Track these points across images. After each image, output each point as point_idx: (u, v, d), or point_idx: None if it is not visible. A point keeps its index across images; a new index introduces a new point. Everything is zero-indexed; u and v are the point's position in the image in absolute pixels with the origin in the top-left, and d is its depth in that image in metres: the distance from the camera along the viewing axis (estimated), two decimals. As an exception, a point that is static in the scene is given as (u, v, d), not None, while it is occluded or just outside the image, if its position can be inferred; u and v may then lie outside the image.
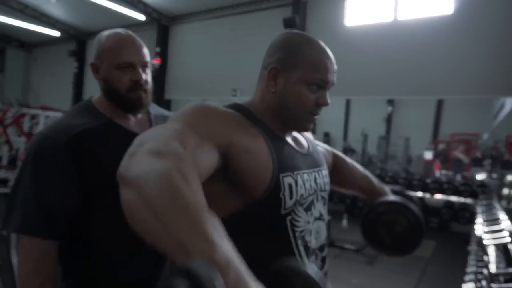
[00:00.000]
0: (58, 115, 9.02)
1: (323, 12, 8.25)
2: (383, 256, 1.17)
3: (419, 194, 6.64)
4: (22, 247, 0.93)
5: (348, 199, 6.81)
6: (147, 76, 1.07)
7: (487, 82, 6.44)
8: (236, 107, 0.86)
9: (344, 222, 5.87)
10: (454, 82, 6.77)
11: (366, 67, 7.38)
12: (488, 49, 6.40)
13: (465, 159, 9.71)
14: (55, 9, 11.97)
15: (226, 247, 0.44)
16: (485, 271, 2.07)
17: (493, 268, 2.00)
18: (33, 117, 9.22)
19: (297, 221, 0.80)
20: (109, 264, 0.98)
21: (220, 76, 9.76)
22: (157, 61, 10.56)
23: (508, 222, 2.85)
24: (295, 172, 0.81)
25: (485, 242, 2.52)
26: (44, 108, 9.83)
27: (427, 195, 6.59)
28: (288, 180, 0.78)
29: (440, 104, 14.33)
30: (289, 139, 0.89)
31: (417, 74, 7.04)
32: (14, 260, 1.00)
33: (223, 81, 9.69)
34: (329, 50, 0.86)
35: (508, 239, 2.46)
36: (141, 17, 10.65)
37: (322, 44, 0.86)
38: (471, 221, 5.54)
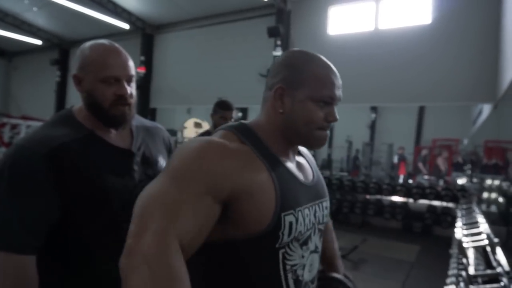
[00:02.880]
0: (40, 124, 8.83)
1: (307, 21, 8.39)
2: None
3: (403, 199, 6.77)
4: (1, 262, 0.87)
5: (334, 206, 6.87)
6: (132, 89, 1.04)
7: (465, 90, 6.65)
8: (240, 129, 0.84)
9: (330, 228, 5.91)
10: (434, 90, 6.96)
11: (349, 75, 7.51)
12: (465, 58, 6.62)
13: (443, 167, 9.90)
14: (37, 18, 11.81)
15: None
16: (464, 273, 2.13)
17: (471, 270, 2.06)
18: (14, 126, 9.04)
19: (290, 255, 0.79)
20: (90, 276, 0.96)
21: (205, 84, 9.78)
22: (141, 70, 10.52)
23: (486, 225, 2.94)
24: (297, 209, 0.80)
25: (464, 245, 2.59)
26: (25, 117, 9.65)
27: (411, 200, 6.72)
28: (289, 218, 0.77)
29: (421, 111, 14.68)
30: (294, 167, 0.87)
31: (398, 81, 7.21)
32: None
33: (208, 90, 9.71)
34: (331, 64, 0.85)
35: (486, 242, 2.53)
36: (125, 26, 10.62)
37: (325, 59, 0.85)
38: (453, 224, 5.67)
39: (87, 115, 1.03)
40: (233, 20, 9.37)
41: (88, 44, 1.03)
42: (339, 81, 0.85)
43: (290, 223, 0.77)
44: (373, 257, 4.88)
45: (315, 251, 0.87)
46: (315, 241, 0.87)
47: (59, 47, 13.22)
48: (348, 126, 14.52)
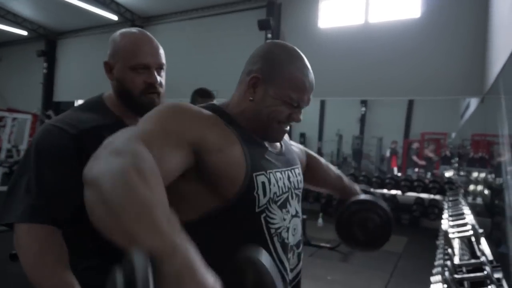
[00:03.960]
0: (26, 117, 8.72)
1: (297, 14, 8.36)
2: (356, 251, 1.23)
3: (392, 192, 6.87)
4: (24, 233, 0.86)
5: (324, 199, 6.93)
6: (162, 78, 1.04)
7: (453, 83, 6.73)
8: (211, 107, 0.88)
9: (320, 221, 5.97)
10: (423, 83, 7.03)
11: (340, 68, 7.55)
12: (453, 51, 6.69)
13: (434, 157, 10.09)
14: (22, 7, 11.53)
15: (174, 235, 0.45)
16: (449, 263, 2.18)
17: (456, 259, 2.11)
18: (0, 119, 8.86)
19: (272, 218, 0.82)
20: (104, 261, 0.96)
21: (196, 77, 9.70)
22: (130, 62, 10.39)
23: (471, 216, 3.00)
24: (268, 171, 0.83)
25: (450, 235, 2.64)
26: (11, 110, 9.46)
27: (399, 193, 6.82)
28: (261, 178, 0.80)
29: (411, 104, 14.84)
30: (260, 139, 0.90)
31: (388, 75, 7.26)
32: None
33: (199, 83, 9.57)
34: (309, 67, 0.88)
35: (471, 232, 2.59)
36: (114, 17, 10.44)
37: (305, 60, 0.88)
38: (440, 216, 5.78)
39: (116, 102, 1.03)
40: (224, 13, 9.30)
41: (119, 32, 1.04)
42: (311, 85, 0.88)
43: (263, 183, 0.80)
44: (362, 248, 4.95)
45: (296, 215, 0.90)
46: (294, 205, 0.90)
47: (46, 38, 12.94)
48: (338, 120, 14.62)
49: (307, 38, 8.04)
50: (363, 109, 15.23)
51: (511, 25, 3.56)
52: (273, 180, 0.83)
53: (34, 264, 0.85)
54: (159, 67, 1.02)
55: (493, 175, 6.51)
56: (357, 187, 1.23)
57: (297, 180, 0.94)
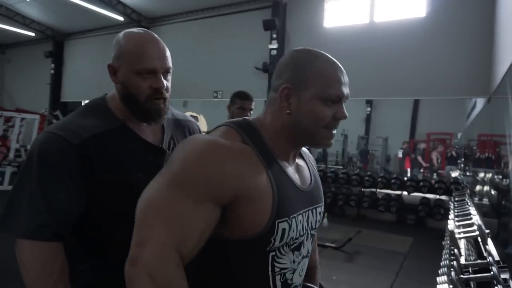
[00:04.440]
0: (35, 117, 8.81)
1: (303, 14, 8.37)
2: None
3: (397, 192, 6.85)
4: (26, 250, 0.86)
5: (329, 199, 6.93)
6: (168, 82, 1.00)
7: (459, 83, 6.69)
8: (245, 126, 0.83)
9: (325, 221, 5.97)
10: (429, 83, 7.00)
11: (345, 68, 7.33)
12: (459, 51, 6.65)
13: (435, 160, 9.98)
14: (30, 9, 11.66)
15: None
16: (455, 263, 2.18)
17: (462, 260, 2.11)
18: (8, 119, 8.97)
19: (280, 258, 0.80)
20: (111, 266, 0.93)
21: (201, 78, 9.75)
22: (136, 63, 10.45)
23: (478, 216, 2.99)
24: (291, 216, 0.80)
25: (456, 236, 2.64)
26: (19, 110, 9.57)
27: (405, 193, 6.80)
28: (283, 225, 0.78)
29: (416, 104, 14.76)
30: (293, 172, 0.87)
31: (393, 75, 7.24)
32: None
33: (204, 83, 9.68)
34: (336, 61, 0.83)
35: (477, 233, 2.59)
36: (120, 18, 10.52)
37: (330, 57, 0.84)
38: (446, 217, 5.76)
39: (120, 105, 0.99)
40: (229, 13, 9.32)
41: (123, 33, 0.99)
42: (345, 78, 0.83)
43: (283, 230, 0.78)
44: (367, 248, 4.96)
45: (306, 255, 0.89)
46: (307, 246, 0.89)
47: (53, 39, 13.08)
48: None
49: (312, 38, 8.03)
50: (369, 109, 15.18)
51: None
52: (293, 226, 0.80)
53: (35, 281, 0.86)
54: (166, 71, 0.98)
55: (499, 176, 6.47)
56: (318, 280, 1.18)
57: (316, 220, 0.91)
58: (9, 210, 0.89)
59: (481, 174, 7.05)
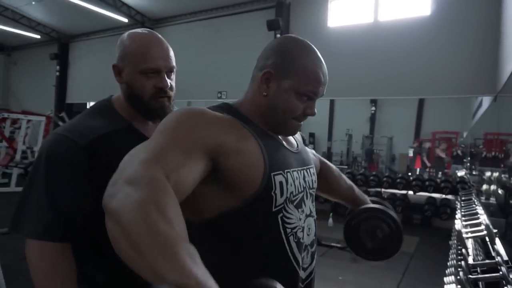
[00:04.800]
0: (41, 119, 8.88)
1: (306, 14, 8.36)
2: (364, 260, 1.19)
3: (403, 192, 6.80)
4: (34, 250, 0.88)
5: (334, 198, 6.90)
6: (172, 81, 1.01)
7: (465, 82, 6.65)
8: (225, 107, 0.87)
9: (330, 221, 5.96)
10: (434, 82, 6.96)
11: (349, 67, 7.52)
12: (465, 49, 6.61)
13: (446, 157, 9.96)
14: (35, 12, 11.76)
15: (198, 271, 0.47)
16: (463, 263, 2.16)
17: (470, 260, 2.10)
18: (14, 121, 9.04)
19: (289, 218, 0.82)
20: (120, 269, 0.97)
21: (205, 78, 9.77)
22: (141, 64, 10.49)
23: (485, 216, 2.97)
24: (286, 170, 0.83)
25: (464, 235, 2.62)
26: (26, 112, 9.64)
27: (410, 193, 6.75)
28: (279, 178, 0.80)
29: (421, 103, 14.67)
30: (277, 137, 0.90)
31: (398, 74, 7.21)
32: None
33: (208, 84, 9.71)
34: (322, 59, 0.88)
35: (485, 232, 2.57)
36: (124, 19, 10.58)
37: (317, 53, 0.87)
38: (452, 216, 5.71)
39: (125, 106, 1.01)
40: (233, 13, 9.34)
41: (127, 33, 1.01)
42: (325, 78, 0.87)
43: (281, 183, 0.80)
44: (373, 249, 4.92)
45: (310, 215, 0.90)
46: (309, 205, 0.91)
47: (59, 41, 13.19)
48: (348, 119, 14.53)
49: (316, 38, 8.01)
50: (373, 108, 15.12)
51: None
52: (290, 180, 0.83)
53: (44, 281, 0.87)
54: (170, 71, 1.00)
55: (506, 175, 6.42)
56: (367, 198, 1.22)
57: (312, 180, 0.94)
58: (19, 210, 0.90)
59: (488, 173, 7.00)
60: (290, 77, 0.83)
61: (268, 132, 0.87)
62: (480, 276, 1.84)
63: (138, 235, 0.48)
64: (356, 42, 7.54)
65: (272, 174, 0.79)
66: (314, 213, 0.93)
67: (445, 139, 11.81)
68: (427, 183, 6.46)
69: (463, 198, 4.47)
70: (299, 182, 0.87)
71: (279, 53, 0.86)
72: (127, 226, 0.49)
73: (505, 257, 1.95)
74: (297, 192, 0.85)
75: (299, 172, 0.89)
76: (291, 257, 0.82)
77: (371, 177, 6.92)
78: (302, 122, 0.89)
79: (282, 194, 0.80)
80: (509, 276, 1.63)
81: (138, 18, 10.60)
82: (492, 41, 6.17)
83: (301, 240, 0.84)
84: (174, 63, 1.01)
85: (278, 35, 8.13)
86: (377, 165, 12.56)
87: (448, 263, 2.84)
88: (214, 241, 0.79)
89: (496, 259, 1.87)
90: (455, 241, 3.32)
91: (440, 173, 8.99)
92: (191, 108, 0.78)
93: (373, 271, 4.16)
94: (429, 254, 4.83)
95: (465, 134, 13.16)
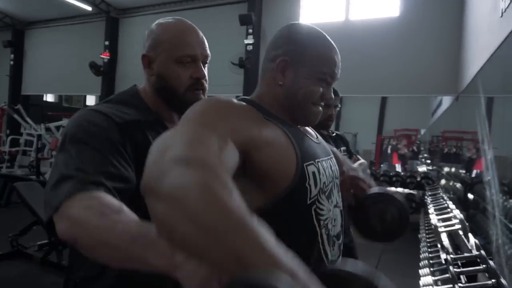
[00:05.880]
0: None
1: (279, 9, 8.37)
2: (371, 242, 1.24)
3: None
4: (73, 207, 0.64)
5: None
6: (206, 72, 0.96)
7: (429, 82, 6.97)
8: (245, 100, 0.84)
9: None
10: (397, 81, 7.24)
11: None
12: (429, 51, 6.91)
13: (407, 153, 10.43)
14: (-14, -5, 10.89)
15: (287, 257, 0.42)
16: (443, 256, 2.26)
17: (451, 254, 2.19)
18: (-36, 113, 8.35)
19: (321, 209, 0.79)
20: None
21: (174, 71, 9.53)
22: (106, 56, 10.03)
23: (458, 210, 3.13)
24: (316, 160, 0.81)
25: (439, 229, 2.75)
26: (-24, 103, 8.94)
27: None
28: (311, 168, 0.78)
29: (384, 101, 15.27)
30: (300, 128, 0.89)
31: (366, 72, 7.41)
32: None
33: (178, 77, 9.48)
34: (334, 44, 0.87)
35: (459, 226, 2.70)
36: (88, 7, 10.04)
37: (329, 38, 0.87)
38: (417, 210, 5.99)
39: (153, 98, 0.94)
40: (204, 6, 9.15)
41: (157, 23, 0.94)
42: (339, 60, 0.87)
43: (313, 173, 0.78)
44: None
45: (337, 205, 0.88)
46: (336, 195, 0.88)
47: (13, 28, 12.27)
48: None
49: (288, 34, 8.04)
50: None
51: (491, 26, 3.71)
52: (321, 170, 0.81)
53: (107, 232, 0.58)
54: (205, 60, 0.95)
55: (463, 170, 6.82)
56: (373, 183, 1.24)
57: (336, 169, 0.93)
58: (47, 191, 0.70)
59: (446, 169, 7.40)
60: (306, 63, 0.83)
61: (289, 122, 0.85)
62: (464, 270, 1.90)
63: (211, 218, 0.42)
64: (327, 40, 7.65)
65: (304, 164, 0.76)
66: (340, 204, 0.91)
67: (405, 136, 12.38)
68: (394, 178, 6.72)
69: (429, 193, 4.69)
70: (329, 172, 0.85)
71: (291, 41, 0.84)
72: (195, 209, 0.42)
73: (483, 251, 2.04)
74: (328, 182, 0.83)
75: (326, 161, 0.87)
76: (322, 251, 0.79)
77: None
78: (321, 109, 0.87)
79: (316, 185, 0.78)
80: (493, 268, 1.71)
81: (102, 6, 10.09)
82: (455, 44, 6.50)
83: (330, 232, 0.82)
84: (209, 52, 0.96)
85: (250, 30, 8.09)
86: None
87: (422, 256, 2.96)
88: None
89: (479, 252, 1.96)
90: (424, 235, 3.47)
91: (401, 168, 9.40)
92: (220, 97, 0.75)
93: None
94: (398, 247, 5.03)
95: (423, 131, 13.84)
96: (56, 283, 3.21)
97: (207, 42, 0.98)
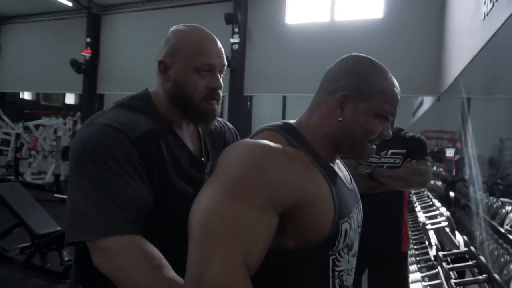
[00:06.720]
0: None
1: (264, 9, 8.37)
2: None
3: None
4: (116, 247, 0.75)
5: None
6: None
7: (411, 82, 7.12)
8: (287, 129, 0.81)
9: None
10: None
11: (305, 64, 7.68)
12: (412, 52, 7.07)
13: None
14: (-41, -12, 10.46)
15: None
16: (432, 253, 2.31)
17: (441, 250, 2.24)
18: None
19: (339, 261, 0.78)
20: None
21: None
22: (87, 53, 9.80)
23: (444, 208, 3.21)
24: (350, 216, 0.79)
25: (427, 227, 2.81)
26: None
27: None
28: (345, 226, 0.76)
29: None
30: (338, 170, 0.86)
31: (351, 73, 7.50)
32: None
33: (162, 76, 9.36)
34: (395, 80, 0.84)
35: (446, 223, 2.77)
36: (68, 3, 9.78)
37: (388, 71, 0.84)
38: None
39: (165, 105, 0.93)
40: (189, 4, 9.07)
41: (176, 28, 0.94)
42: (400, 96, 0.84)
43: (346, 230, 0.76)
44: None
45: (355, 254, 0.87)
46: (356, 244, 0.87)
47: (-12, 23, 11.86)
48: (300, 114, 14.88)
49: (273, 34, 8.07)
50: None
51: (473, 29, 3.82)
52: (353, 226, 0.79)
53: (139, 274, 0.75)
54: (222, 70, 0.94)
55: (442, 169, 7.01)
56: None
57: (361, 218, 0.90)
58: (75, 215, 0.78)
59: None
60: (369, 99, 0.79)
61: (330, 163, 0.82)
62: (455, 265, 1.94)
63: None
64: (313, 40, 7.70)
65: (340, 222, 0.75)
66: (357, 251, 0.90)
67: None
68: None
69: (414, 192, 4.79)
70: (356, 225, 0.83)
71: (352, 74, 0.81)
72: None
73: (472, 247, 2.10)
74: (353, 235, 0.81)
75: (356, 213, 0.84)
76: None
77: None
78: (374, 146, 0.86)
79: (344, 241, 0.77)
80: (483, 263, 1.75)
81: (84, 2, 9.84)
82: (437, 46, 6.68)
83: (344, 283, 0.82)
84: (226, 62, 0.96)
85: (236, 29, 8.06)
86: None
87: (410, 252, 3.02)
88: (258, 276, 0.73)
89: (468, 249, 2.00)
90: (410, 232, 3.54)
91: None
92: (265, 146, 0.72)
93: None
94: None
95: (404, 131, 14.07)
96: (42, 287, 3.11)
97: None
